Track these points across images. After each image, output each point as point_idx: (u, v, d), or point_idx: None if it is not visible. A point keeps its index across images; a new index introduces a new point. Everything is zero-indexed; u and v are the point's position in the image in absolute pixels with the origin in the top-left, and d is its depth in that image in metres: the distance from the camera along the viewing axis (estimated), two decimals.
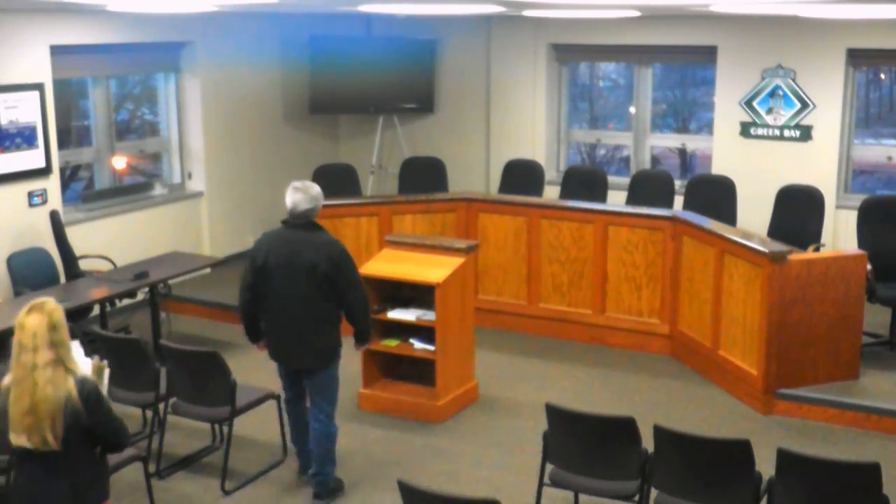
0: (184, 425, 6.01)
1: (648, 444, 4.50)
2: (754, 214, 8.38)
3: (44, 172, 7.82)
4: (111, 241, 8.34)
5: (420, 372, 6.48)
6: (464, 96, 10.44)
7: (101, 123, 8.70)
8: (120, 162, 9.03)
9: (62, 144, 8.22)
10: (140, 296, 7.59)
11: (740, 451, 4.27)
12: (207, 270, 8.49)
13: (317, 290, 5.08)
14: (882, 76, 10.54)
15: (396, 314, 6.45)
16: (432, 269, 6.41)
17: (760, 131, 9.16)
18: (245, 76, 9.71)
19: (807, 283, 6.36)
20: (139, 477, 5.09)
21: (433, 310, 6.29)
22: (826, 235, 8.16)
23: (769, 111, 9.09)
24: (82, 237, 8.05)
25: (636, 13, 8.40)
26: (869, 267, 6.63)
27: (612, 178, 9.19)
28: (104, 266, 7.83)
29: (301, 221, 5.13)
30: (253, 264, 5.20)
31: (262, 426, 6.09)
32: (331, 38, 10.20)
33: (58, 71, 7.93)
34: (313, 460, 5.35)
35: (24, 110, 7.62)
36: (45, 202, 7.83)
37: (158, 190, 9.20)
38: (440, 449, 6.00)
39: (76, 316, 6.81)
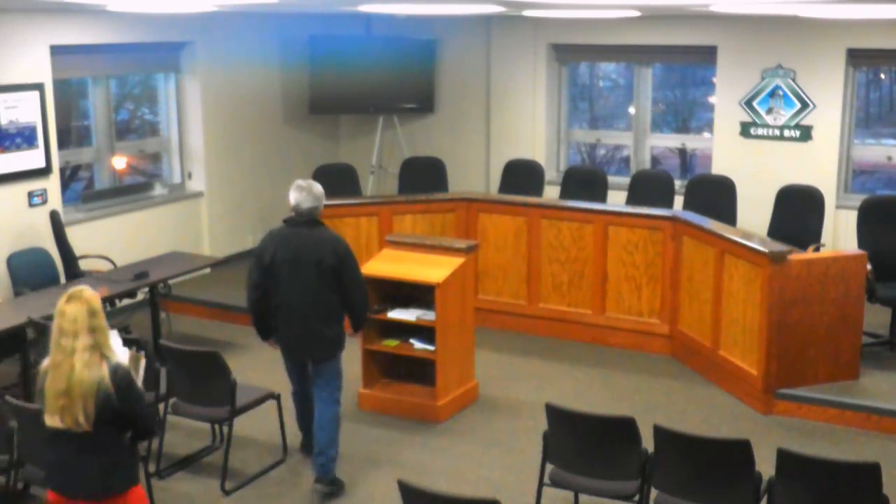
0: (184, 425, 6.02)
1: (648, 444, 4.50)
2: (754, 214, 8.38)
3: (44, 172, 7.82)
4: (111, 241, 8.34)
5: (420, 372, 6.48)
6: (464, 96, 10.44)
7: (101, 123, 8.70)
8: (120, 162, 9.03)
9: (62, 144, 8.22)
10: (140, 296, 7.59)
11: (740, 451, 4.27)
12: (207, 270, 8.49)
13: (324, 284, 5.27)
14: (882, 76, 10.54)
15: (396, 314, 6.45)
16: (432, 269, 6.41)
17: (760, 131, 9.16)
18: (245, 76, 9.71)
19: (807, 283, 6.36)
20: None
21: (433, 310, 6.29)
22: (826, 235, 8.16)
23: (769, 111, 9.09)
24: (82, 237, 8.05)
25: (636, 13, 8.40)
26: (869, 267, 6.63)
27: (612, 178, 9.19)
28: (104, 266, 7.83)
29: (305, 219, 5.29)
30: (260, 262, 5.35)
31: (262, 426, 6.09)
32: (331, 38, 10.20)
33: (58, 71, 7.93)
34: (317, 443, 5.43)
35: (24, 110, 7.62)
36: (45, 202, 7.83)
37: (158, 190, 9.21)
38: (440, 449, 6.00)
39: None
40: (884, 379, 6.65)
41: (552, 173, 10.05)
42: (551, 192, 9.50)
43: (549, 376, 7.15)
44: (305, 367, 5.57)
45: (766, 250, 6.34)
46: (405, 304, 6.55)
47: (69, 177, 8.92)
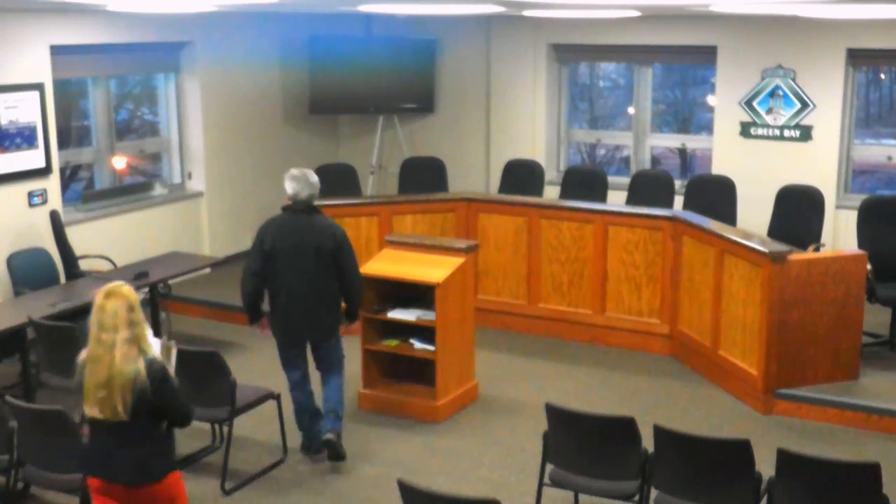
0: None
1: (648, 444, 4.50)
2: (754, 214, 8.38)
3: (44, 172, 7.83)
4: (111, 241, 8.34)
5: (420, 372, 6.48)
6: (464, 96, 10.44)
7: (101, 123, 8.70)
8: (120, 162, 9.03)
9: (62, 144, 8.23)
10: (140, 296, 7.56)
11: (740, 451, 4.27)
12: (207, 270, 8.49)
13: (323, 269, 5.52)
14: (882, 76, 10.55)
15: (396, 314, 6.45)
16: (432, 269, 6.41)
17: (760, 131, 9.16)
18: (245, 76, 9.71)
19: (807, 283, 6.36)
20: None
21: (433, 310, 6.29)
22: (826, 235, 8.16)
23: (769, 111, 9.09)
24: (82, 237, 8.05)
25: (636, 13, 8.40)
26: (869, 267, 6.63)
27: (612, 178, 9.18)
28: (104, 266, 7.83)
29: (303, 206, 5.53)
30: (261, 250, 5.53)
31: (262, 426, 6.09)
32: (331, 38, 10.20)
33: (58, 71, 7.93)
34: (329, 402, 5.72)
35: (24, 110, 7.62)
36: (45, 202, 7.83)
37: (158, 190, 9.21)
38: (440, 449, 6.00)
39: (76, 316, 6.81)
40: (884, 379, 6.65)
41: (552, 173, 10.05)
42: (551, 192, 9.50)
43: (549, 376, 7.15)
44: (304, 349, 5.76)
45: (766, 250, 6.34)
46: (405, 304, 6.55)
47: (69, 177, 8.92)
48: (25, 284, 7.26)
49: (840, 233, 8.71)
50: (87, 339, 3.90)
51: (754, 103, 9.14)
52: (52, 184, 7.92)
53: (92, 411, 3.89)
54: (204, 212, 9.49)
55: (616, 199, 8.69)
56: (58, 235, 7.59)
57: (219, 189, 9.57)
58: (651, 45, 9.56)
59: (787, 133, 9.05)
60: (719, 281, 6.82)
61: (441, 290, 6.25)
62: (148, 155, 9.69)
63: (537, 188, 9.18)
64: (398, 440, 6.11)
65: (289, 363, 5.75)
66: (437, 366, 6.31)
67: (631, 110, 10.13)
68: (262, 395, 5.74)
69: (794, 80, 8.95)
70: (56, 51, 7.86)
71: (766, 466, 4.34)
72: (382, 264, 6.62)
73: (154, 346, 4.07)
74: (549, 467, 4.76)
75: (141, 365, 3.85)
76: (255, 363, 7.16)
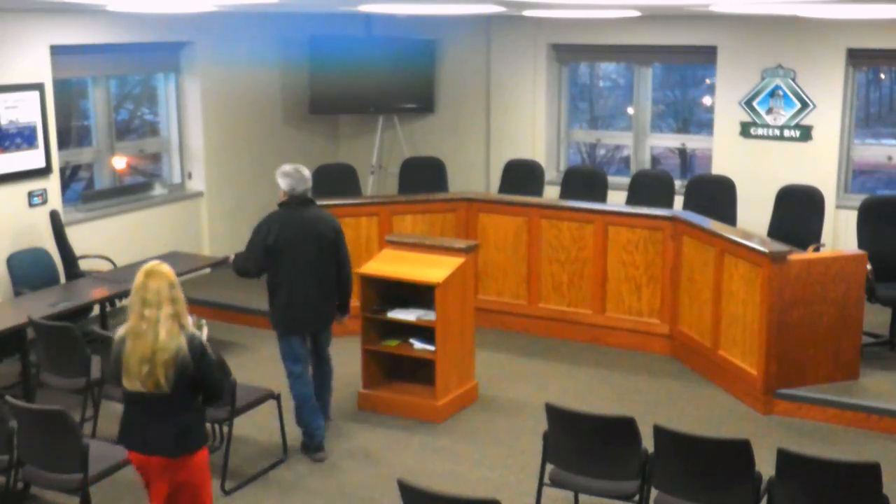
0: None
1: (648, 444, 4.50)
2: (754, 214, 8.38)
3: (44, 172, 7.82)
4: (111, 241, 8.34)
5: (420, 372, 6.48)
6: (464, 96, 10.44)
7: (101, 123, 8.70)
8: (120, 162, 9.03)
9: (62, 144, 8.22)
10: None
11: (740, 451, 4.27)
12: (207, 270, 8.49)
13: (324, 259, 5.74)
14: (882, 76, 10.55)
15: (396, 314, 6.45)
16: (432, 269, 6.41)
17: (760, 131, 9.16)
18: (245, 76, 9.71)
19: (807, 283, 6.37)
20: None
21: (433, 310, 6.29)
22: (826, 235, 8.16)
23: (769, 111, 9.09)
24: (82, 237, 8.05)
25: (636, 13, 8.40)
26: (869, 267, 6.63)
27: (612, 178, 9.18)
28: (104, 266, 7.83)
29: (301, 200, 5.73)
30: (263, 244, 5.68)
31: (262, 426, 6.09)
32: (331, 38, 10.20)
33: (58, 71, 7.93)
34: (325, 409, 6.07)
35: (24, 110, 7.62)
36: (45, 202, 7.83)
37: (158, 190, 9.20)
38: (440, 449, 6.00)
39: (76, 316, 6.81)
40: (884, 379, 6.65)
41: (552, 173, 10.05)
42: (551, 192, 9.50)
43: (549, 376, 7.15)
44: (306, 340, 5.91)
45: (766, 250, 6.34)
46: (405, 304, 6.55)
47: (69, 177, 8.91)
48: (25, 284, 7.26)
49: (840, 233, 8.71)
50: (128, 315, 4.12)
51: (754, 103, 9.14)
52: (52, 184, 7.92)
53: (133, 385, 4.07)
54: (204, 212, 9.48)
55: (616, 199, 8.69)
56: (58, 235, 7.59)
57: (219, 189, 9.57)
58: (651, 45, 9.56)
59: (787, 133, 9.05)
60: (719, 281, 6.82)
61: (441, 290, 6.25)
62: (148, 155, 9.69)
63: (537, 188, 9.18)
64: (398, 440, 6.11)
65: (292, 354, 5.81)
66: (437, 366, 6.31)
67: (630, 111, 10.13)
68: (262, 395, 5.74)
69: (794, 80, 8.95)
70: (56, 51, 7.86)
71: (766, 466, 4.34)
72: (382, 264, 6.62)
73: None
74: (549, 467, 4.76)
75: (182, 340, 4.07)
76: (255, 363, 7.16)
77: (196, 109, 9.34)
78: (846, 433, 6.16)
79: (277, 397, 5.78)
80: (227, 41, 9.41)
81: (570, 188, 8.97)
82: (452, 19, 10.05)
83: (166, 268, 4.16)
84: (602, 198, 8.70)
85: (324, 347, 6.03)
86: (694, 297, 7.16)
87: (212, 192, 9.51)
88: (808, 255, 6.77)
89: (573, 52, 10.17)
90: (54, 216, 7.66)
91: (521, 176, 9.28)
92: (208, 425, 5.94)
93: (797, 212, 7.79)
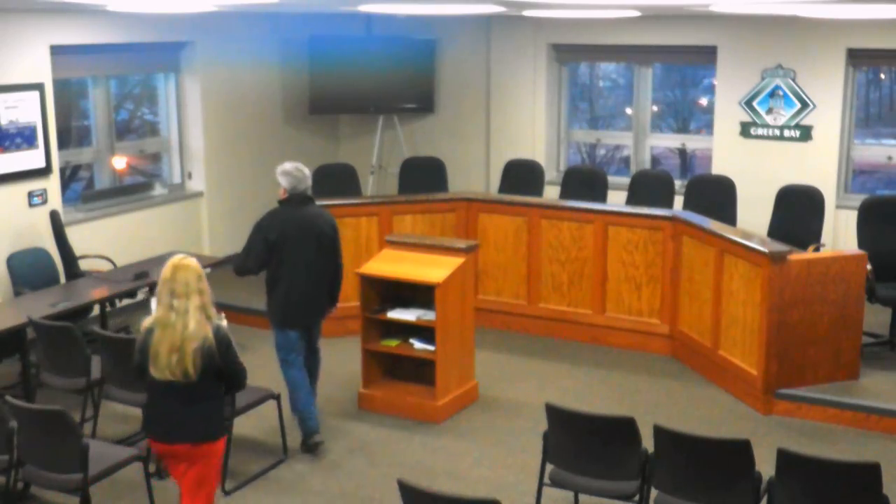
0: None
1: (648, 444, 4.50)
2: (754, 214, 8.38)
3: (44, 172, 7.82)
4: (111, 241, 8.34)
5: (420, 372, 6.48)
6: (464, 96, 10.44)
7: (101, 123, 8.70)
8: (120, 162, 9.03)
9: (62, 144, 8.22)
10: (140, 296, 7.58)
11: (740, 451, 4.27)
12: (207, 270, 8.46)
13: (323, 255, 5.86)
14: (882, 76, 10.55)
15: (396, 314, 6.45)
16: (432, 269, 6.41)
17: (760, 131, 9.16)
18: (245, 76, 9.71)
19: (807, 283, 6.37)
20: (139, 477, 5.08)
21: (433, 310, 6.29)
22: (826, 235, 8.16)
23: (769, 111, 9.09)
24: (82, 237, 8.05)
25: (636, 13, 8.40)
26: (869, 267, 6.63)
27: (612, 178, 9.18)
28: (104, 266, 7.83)
29: (301, 198, 5.83)
30: (265, 241, 5.78)
31: (262, 426, 6.09)
32: (331, 38, 10.20)
33: (58, 71, 7.93)
34: (314, 377, 6.16)
35: (24, 110, 7.62)
36: (45, 202, 7.83)
37: (158, 190, 9.20)
38: (440, 449, 6.00)
39: (76, 316, 6.81)
40: (884, 379, 6.65)
41: (552, 173, 10.05)
42: (551, 192, 9.50)
43: (549, 376, 7.15)
44: (303, 333, 6.01)
45: (766, 250, 6.34)
46: (405, 304, 6.55)
47: (69, 177, 8.91)
48: (25, 284, 7.26)
49: (840, 233, 8.71)
50: (158, 306, 4.27)
51: (754, 103, 9.14)
52: (52, 184, 7.91)
53: (162, 374, 4.21)
54: (204, 212, 9.48)
55: (616, 199, 8.68)
56: (58, 235, 7.59)
57: (219, 189, 9.57)
58: (651, 45, 9.56)
59: (787, 133, 9.05)
60: (719, 281, 6.82)
61: (441, 290, 6.25)
62: (148, 155, 9.69)
63: (537, 188, 9.18)
64: (398, 440, 6.11)
65: (290, 346, 5.91)
66: (437, 366, 6.31)
67: (629, 111, 10.13)
68: (262, 396, 5.74)
69: (794, 80, 8.95)
70: (56, 51, 7.86)
71: (766, 466, 4.34)
72: (382, 264, 6.62)
73: None
74: (549, 467, 4.76)
75: (209, 330, 4.23)
76: (255, 363, 7.15)
77: (196, 109, 9.34)
78: (846, 433, 6.16)
79: (277, 397, 5.78)
80: (227, 41, 9.41)
81: (570, 188, 8.97)
82: (452, 19, 10.05)
83: (193, 261, 4.32)
84: (602, 198, 8.70)
85: (316, 339, 6.17)
86: (694, 297, 7.16)
87: (212, 191, 9.51)
88: (808, 255, 6.77)
89: (573, 52, 10.17)
90: (54, 216, 7.66)
91: (521, 176, 9.28)
92: None
93: (797, 212, 7.79)
